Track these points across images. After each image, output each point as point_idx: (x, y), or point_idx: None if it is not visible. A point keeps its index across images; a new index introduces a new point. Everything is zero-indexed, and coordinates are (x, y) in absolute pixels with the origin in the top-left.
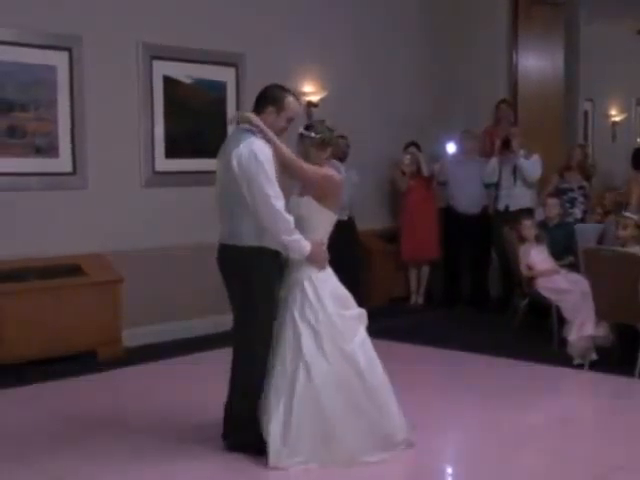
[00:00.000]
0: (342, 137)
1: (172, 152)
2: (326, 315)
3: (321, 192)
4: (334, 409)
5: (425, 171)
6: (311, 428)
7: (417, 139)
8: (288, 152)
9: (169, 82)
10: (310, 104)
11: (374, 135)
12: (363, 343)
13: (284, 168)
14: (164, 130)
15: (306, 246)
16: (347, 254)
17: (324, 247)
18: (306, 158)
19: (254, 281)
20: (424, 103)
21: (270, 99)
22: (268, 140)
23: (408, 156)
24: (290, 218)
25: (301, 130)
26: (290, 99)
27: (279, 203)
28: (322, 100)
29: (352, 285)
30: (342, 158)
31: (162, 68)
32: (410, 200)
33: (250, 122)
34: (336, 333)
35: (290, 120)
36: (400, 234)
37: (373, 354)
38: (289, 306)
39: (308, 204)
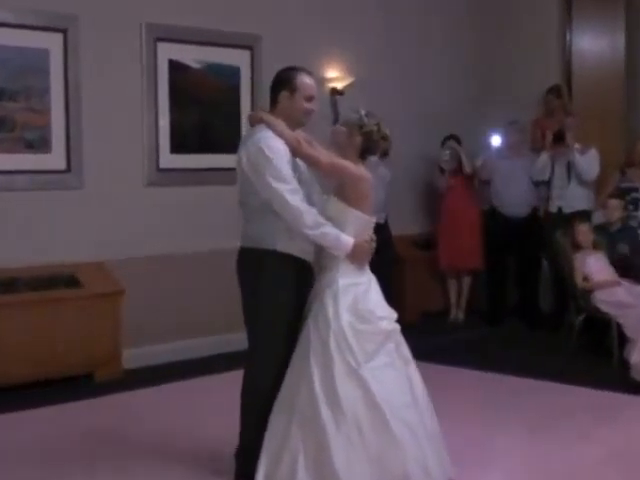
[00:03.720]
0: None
1: (179, 147)
2: (338, 325)
3: (341, 189)
4: (331, 432)
5: (467, 168)
6: (305, 455)
7: (456, 132)
8: (303, 143)
9: (176, 67)
10: (335, 91)
11: (407, 127)
12: (384, 369)
13: (305, 161)
14: (170, 122)
15: (345, 240)
16: (379, 262)
17: (369, 246)
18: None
19: (260, 288)
20: (465, 91)
21: (281, 83)
22: (279, 133)
23: (447, 151)
24: (312, 210)
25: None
26: (301, 76)
27: (294, 197)
28: (348, 87)
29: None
30: (381, 154)
31: (168, 51)
32: (449, 201)
33: (262, 121)
34: (345, 348)
35: (309, 99)
36: (437, 240)
37: (403, 386)
38: (308, 313)
39: (333, 204)
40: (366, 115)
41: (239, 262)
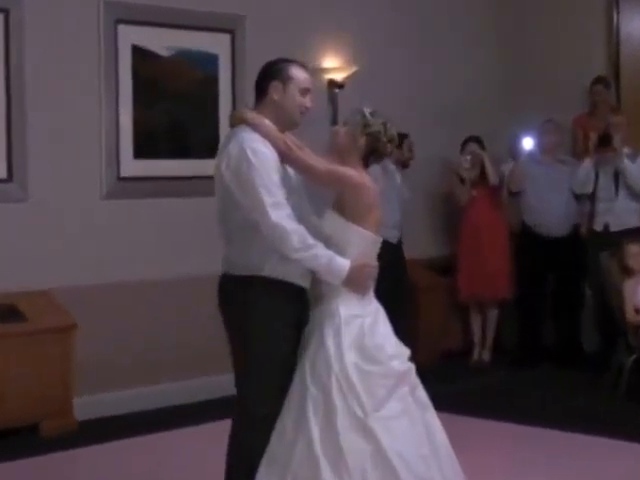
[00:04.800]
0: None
1: (144, 151)
2: (342, 367)
3: (340, 201)
4: None
5: (492, 177)
6: None
7: (480, 133)
8: (294, 147)
9: (141, 55)
10: (333, 84)
11: (421, 128)
12: (397, 418)
13: (296, 169)
14: (133, 120)
15: (339, 264)
16: (390, 290)
17: (370, 270)
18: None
19: (247, 324)
20: (490, 84)
21: (271, 73)
22: (265, 135)
23: (468, 157)
24: (300, 228)
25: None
26: (293, 68)
27: (278, 212)
28: (349, 79)
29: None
30: (402, 165)
31: (131, 35)
32: (471, 217)
33: (245, 121)
34: (350, 395)
35: (305, 92)
36: (457, 264)
37: (420, 436)
38: (304, 353)
39: (331, 219)
40: (371, 114)
41: (220, 292)
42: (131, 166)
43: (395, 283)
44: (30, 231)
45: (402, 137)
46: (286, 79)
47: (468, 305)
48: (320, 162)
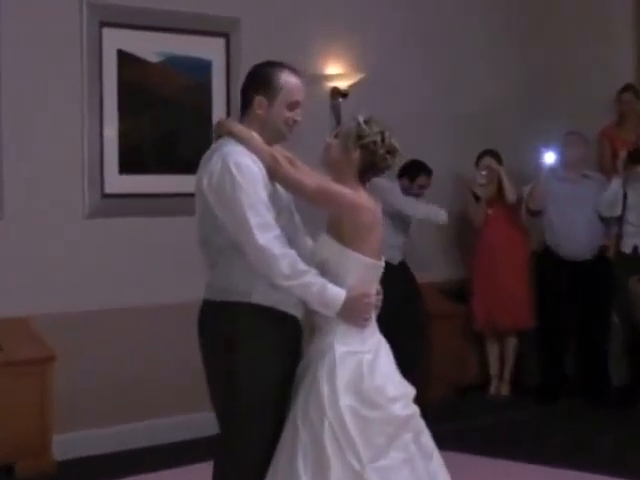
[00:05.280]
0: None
1: (131, 165)
2: (336, 412)
3: (335, 223)
4: None
5: (509, 194)
6: None
7: (498, 147)
8: (282, 161)
9: (127, 60)
10: (336, 93)
11: (432, 140)
12: (397, 469)
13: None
14: (118, 132)
15: (333, 294)
16: (399, 317)
17: (369, 300)
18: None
19: (231, 356)
20: (509, 94)
21: (256, 85)
22: (253, 149)
23: (483, 172)
24: (289, 253)
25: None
26: (283, 75)
27: (265, 235)
28: (355, 87)
29: (403, 367)
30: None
31: (116, 40)
32: (487, 238)
33: (230, 132)
34: (346, 444)
35: (294, 105)
36: (472, 289)
37: None
38: (297, 391)
39: (326, 244)
40: (366, 122)
41: (201, 321)
42: (116, 182)
43: (403, 311)
44: (5, 253)
45: (419, 169)
46: (273, 93)
47: (484, 334)
48: (312, 178)
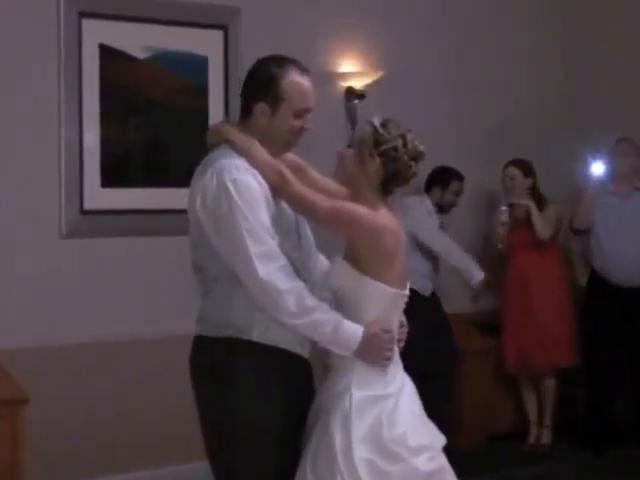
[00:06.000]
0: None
1: (114, 177)
2: (349, 465)
3: (352, 248)
4: None
5: (541, 232)
6: None
7: (535, 156)
8: (288, 177)
9: (110, 57)
10: (351, 94)
11: (464, 151)
12: None
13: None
14: (101, 139)
15: (349, 331)
16: (427, 353)
17: (389, 336)
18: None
19: (228, 401)
20: (551, 97)
21: (258, 88)
22: (254, 163)
23: (504, 208)
24: (297, 285)
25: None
26: (290, 76)
27: (267, 266)
28: (373, 87)
29: (429, 410)
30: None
31: (98, 32)
32: (517, 264)
33: (227, 141)
34: None
35: (303, 113)
36: (502, 324)
37: None
38: (307, 439)
39: (342, 271)
40: (383, 125)
41: (193, 361)
42: (98, 196)
43: (431, 346)
44: None
45: (450, 175)
46: (276, 100)
47: (517, 375)
48: (326, 198)
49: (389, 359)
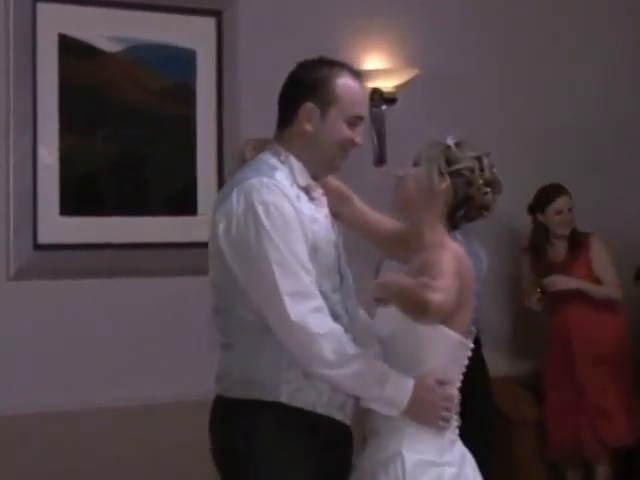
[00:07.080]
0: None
1: (77, 203)
2: None
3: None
4: None
5: (597, 296)
6: None
7: (608, 172)
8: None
9: (73, 50)
10: (378, 97)
11: (516, 167)
12: None
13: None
14: (60, 154)
15: (398, 385)
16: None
17: (452, 391)
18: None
19: (254, 471)
20: (626, 100)
21: (304, 89)
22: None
23: (539, 290)
24: (336, 330)
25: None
26: (343, 78)
27: (301, 306)
28: (405, 89)
29: None
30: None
31: (58, 20)
32: (560, 318)
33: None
34: None
35: (355, 121)
36: (544, 394)
37: None
38: None
39: (392, 313)
40: (457, 145)
41: (213, 425)
42: (56, 227)
43: (474, 406)
44: None
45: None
46: (326, 102)
47: (562, 461)
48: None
49: (446, 420)
